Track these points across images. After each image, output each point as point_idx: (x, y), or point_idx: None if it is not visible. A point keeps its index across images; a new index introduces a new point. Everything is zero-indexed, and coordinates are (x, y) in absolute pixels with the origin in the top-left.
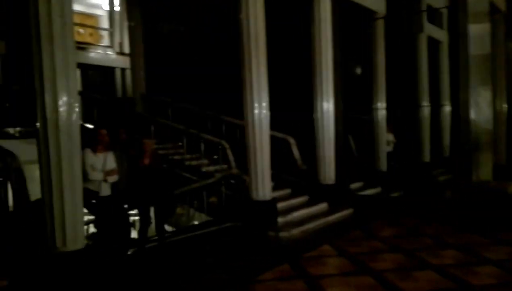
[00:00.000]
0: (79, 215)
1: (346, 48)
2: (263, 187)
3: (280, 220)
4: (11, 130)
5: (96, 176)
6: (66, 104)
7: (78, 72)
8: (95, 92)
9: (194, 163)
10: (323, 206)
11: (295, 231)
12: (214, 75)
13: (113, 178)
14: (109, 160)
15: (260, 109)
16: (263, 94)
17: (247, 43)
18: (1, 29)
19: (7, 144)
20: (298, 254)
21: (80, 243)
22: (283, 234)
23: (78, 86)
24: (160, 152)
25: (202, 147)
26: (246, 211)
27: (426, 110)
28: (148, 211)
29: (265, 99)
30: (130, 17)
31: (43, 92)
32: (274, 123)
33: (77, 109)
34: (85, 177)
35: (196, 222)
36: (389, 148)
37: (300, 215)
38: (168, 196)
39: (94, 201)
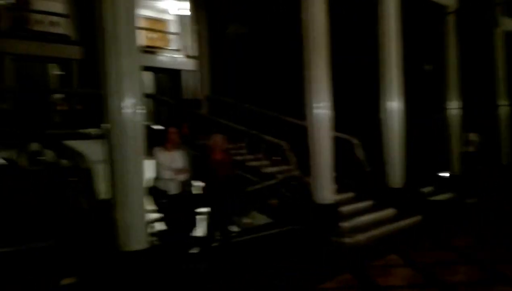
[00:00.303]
0: (142, 215)
1: (415, 45)
2: (325, 190)
3: (343, 224)
4: (84, 131)
5: (167, 174)
6: (130, 106)
7: (149, 75)
8: (164, 94)
9: (255, 163)
10: (389, 211)
11: (359, 237)
12: (277, 75)
13: (183, 177)
14: (179, 158)
15: (321, 109)
16: (324, 94)
17: (308, 42)
18: (78, 36)
19: (80, 145)
20: (362, 263)
21: (144, 243)
22: (346, 240)
23: (150, 89)
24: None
25: (263, 147)
26: (308, 214)
27: (504, 109)
28: (220, 209)
29: (326, 99)
30: (196, 21)
31: (109, 95)
32: (337, 124)
33: (141, 111)
34: (156, 176)
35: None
36: (471, 148)
37: (365, 220)
38: (241, 194)
39: (164, 200)
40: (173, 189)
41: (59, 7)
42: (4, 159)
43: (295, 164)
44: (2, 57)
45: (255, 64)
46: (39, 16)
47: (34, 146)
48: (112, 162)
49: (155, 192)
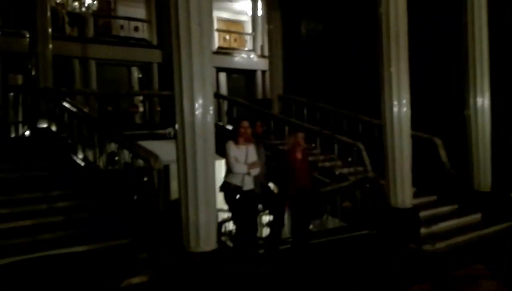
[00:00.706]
0: (212, 216)
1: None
2: (403, 193)
3: (423, 230)
4: (160, 131)
5: (240, 168)
6: (201, 107)
7: (223, 76)
8: (237, 94)
9: (327, 164)
10: (475, 217)
11: (441, 245)
12: (351, 73)
13: (256, 171)
14: (251, 152)
15: (399, 107)
16: (403, 91)
17: (386, 38)
18: (158, 40)
19: (156, 145)
20: (444, 272)
21: (213, 244)
22: (426, 247)
23: (224, 90)
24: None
25: (336, 148)
26: (383, 219)
27: None
28: (299, 210)
29: (405, 96)
30: (270, 20)
31: (181, 96)
32: (416, 122)
33: (211, 112)
34: (229, 171)
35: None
36: None
37: (448, 226)
38: (317, 195)
39: (237, 196)
40: (247, 184)
41: (141, 13)
42: (83, 159)
43: (370, 165)
44: (87, 62)
45: (328, 62)
46: (122, 22)
47: (112, 147)
48: (183, 162)
49: (227, 188)
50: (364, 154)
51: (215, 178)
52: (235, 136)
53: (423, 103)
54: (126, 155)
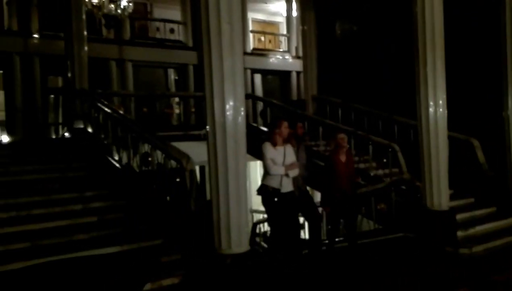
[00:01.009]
0: (243, 218)
1: None
2: (439, 195)
3: (460, 233)
4: (194, 132)
5: (277, 170)
6: (232, 108)
7: (258, 77)
8: (273, 96)
9: (362, 166)
10: None
11: (479, 248)
12: (386, 73)
13: (294, 172)
14: (289, 154)
15: (436, 107)
16: (439, 91)
17: (421, 37)
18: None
19: (190, 146)
20: (482, 277)
21: (244, 246)
22: (463, 251)
23: (259, 91)
24: (327, 154)
25: (371, 149)
26: (419, 221)
27: None
28: (340, 213)
29: (442, 97)
30: (304, 21)
31: (212, 97)
32: (452, 123)
33: (242, 113)
34: (266, 173)
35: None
36: None
37: (485, 229)
38: (356, 197)
39: (275, 199)
40: (285, 186)
41: (177, 15)
42: (117, 160)
43: (406, 167)
44: (123, 64)
45: (363, 62)
46: (158, 24)
47: (145, 148)
48: (214, 163)
49: (265, 191)
50: (400, 155)
51: (247, 179)
52: (272, 137)
53: (460, 103)
54: (159, 156)
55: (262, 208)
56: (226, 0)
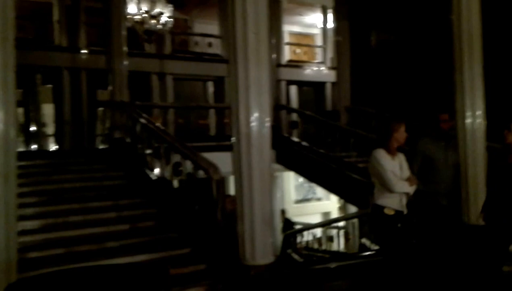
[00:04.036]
0: (268, 229)
1: None
2: (478, 210)
3: None
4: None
5: (403, 186)
6: (257, 119)
7: (294, 89)
8: (308, 107)
9: None
10: None
11: None
12: (422, 82)
13: (414, 189)
14: (404, 164)
15: (473, 118)
16: (477, 101)
17: (458, 44)
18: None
19: (221, 156)
20: None
21: (269, 258)
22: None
23: (294, 102)
24: (360, 165)
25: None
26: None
27: None
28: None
29: (480, 107)
30: (338, 32)
31: (237, 107)
32: (492, 133)
33: (267, 124)
34: (382, 190)
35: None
36: None
37: None
38: None
39: (398, 224)
40: (405, 207)
41: (215, 29)
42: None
43: None
44: (164, 77)
45: (397, 72)
46: (197, 38)
47: (176, 158)
48: (239, 174)
49: (383, 214)
50: None
51: (280, 190)
52: (388, 144)
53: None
54: (189, 166)
55: (296, 219)
56: (253, 10)
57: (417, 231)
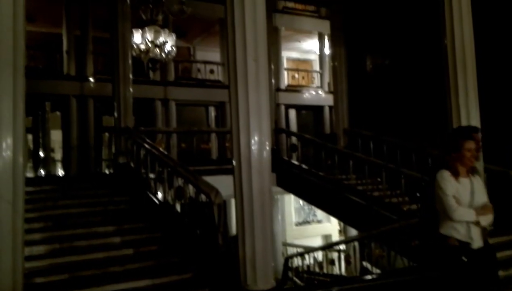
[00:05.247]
0: (269, 253)
1: None
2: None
3: (502, 273)
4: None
5: (466, 214)
6: (258, 143)
7: (293, 112)
8: (307, 130)
9: (394, 200)
10: None
11: None
12: (418, 105)
13: (488, 219)
14: (478, 188)
15: None
16: (473, 122)
17: (452, 69)
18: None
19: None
20: None
21: (270, 283)
22: None
23: (294, 126)
24: (359, 188)
25: (403, 183)
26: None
27: None
28: None
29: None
30: (335, 58)
31: (238, 131)
32: (488, 155)
33: (268, 148)
34: (445, 217)
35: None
36: None
37: None
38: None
39: (463, 257)
40: (476, 239)
41: (216, 56)
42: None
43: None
44: (168, 103)
45: (394, 95)
46: (199, 66)
47: (179, 182)
48: (240, 197)
49: (446, 244)
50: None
51: (281, 212)
52: (452, 164)
53: (496, 132)
54: (191, 190)
55: (296, 241)
56: (253, 38)
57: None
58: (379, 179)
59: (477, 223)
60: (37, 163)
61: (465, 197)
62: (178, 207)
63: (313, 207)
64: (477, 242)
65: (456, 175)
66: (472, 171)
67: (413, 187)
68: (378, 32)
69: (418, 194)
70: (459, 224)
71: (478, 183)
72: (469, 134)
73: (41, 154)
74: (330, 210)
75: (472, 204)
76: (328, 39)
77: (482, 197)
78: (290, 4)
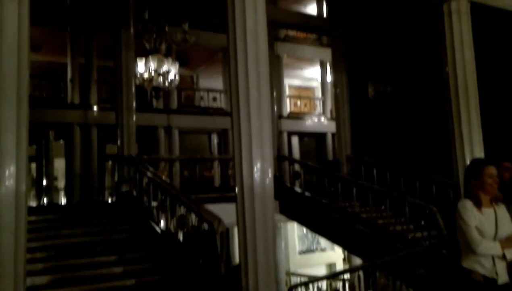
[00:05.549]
0: (272, 283)
1: None
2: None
3: None
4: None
5: (490, 248)
6: (260, 170)
7: (295, 139)
8: (310, 157)
9: (398, 228)
10: None
11: None
12: (421, 131)
13: None
14: (503, 219)
15: None
16: (476, 149)
17: (454, 96)
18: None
19: (226, 207)
20: None
21: None
22: None
23: (296, 153)
24: (363, 215)
25: (407, 210)
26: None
27: None
28: None
29: (479, 154)
30: (337, 85)
31: (240, 159)
32: None
33: (270, 175)
34: (468, 250)
35: None
36: None
37: None
38: None
39: None
40: (502, 274)
41: (219, 84)
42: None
43: (445, 229)
44: (171, 131)
45: (396, 121)
46: (202, 93)
47: (181, 210)
48: (242, 226)
49: (466, 278)
50: (438, 217)
51: (284, 240)
52: (473, 192)
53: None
54: (193, 218)
55: (300, 270)
56: (254, 67)
57: None
58: (383, 207)
59: (503, 257)
60: (40, 191)
61: (489, 229)
62: (180, 236)
63: (317, 235)
64: (503, 277)
65: (478, 204)
66: (495, 200)
67: (418, 214)
68: (379, 59)
69: (423, 222)
70: (484, 258)
71: (503, 213)
72: (484, 164)
73: (44, 182)
74: (334, 238)
75: (496, 236)
76: (330, 67)
77: (507, 227)
78: (292, 33)
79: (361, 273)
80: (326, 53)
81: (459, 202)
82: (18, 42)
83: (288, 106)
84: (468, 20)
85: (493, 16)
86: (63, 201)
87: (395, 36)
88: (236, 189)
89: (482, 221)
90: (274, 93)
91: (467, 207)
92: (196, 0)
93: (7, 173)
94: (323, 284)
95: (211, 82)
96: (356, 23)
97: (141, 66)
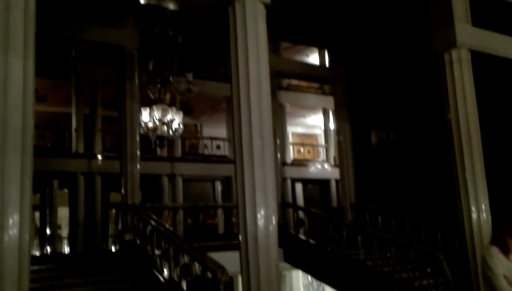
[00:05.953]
0: None
1: None
2: None
3: None
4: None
5: None
6: (264, 217)
7: (299, 186)
8: (314, 204)
9: (404, 275)
10: None
11: None
12: (426, 179)
13: None
14: None
15: (478, 213)
16: (481, 196)
17: (457, 141)
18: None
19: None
20: None
21: None
22: None
23: (300, 200)
24: (368, 263)
25: (413, 257)
26: None
27: None
28: None
29: (484, 202)
30: (339, 132)
31: (244, 206)
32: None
33: (274, 222)
34: None
35: None
36: None
37: None
38: None
39: None
40: None
41: (223, 133)
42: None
43: (451, 276)
44: (174, 179)
45: (399, 168)
46: (206, 142)
47: (185, 259)
48: (246, 274)
49: None
50: (444, 264)
51: (289, 289)
52: (503, 240)
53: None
54: (197, 267)
55: None
56: (258, 116)
57: None
58: (388, 254)
59: None
60: (44, 240)
61: None
62: (184, 285)
63: (322, 283)
64: None
65: (506, 251)
66: None
67: (424, 261)
68: (382, 107)
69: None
70: None
71: None
72: None
73: (48, 231)
74: (339, 286)
75: None
76: (332, 114)
77: None
78: (295, 82)
79: None
80: (329, 101)
81: (485, 250)
82: (23, 94)
83: (291, 154)
84: (469, 69)
85: (494, 63)
86: (66, 249)
87: (397, 84)
88: (240, 237)
89: (511, 269)
90: (278, 141)
91: (494, 255)
92: (200, 51)
93: (10, 222)
94: None
95: (215, 130)
96: (358, 72)
97: (145, 115)
